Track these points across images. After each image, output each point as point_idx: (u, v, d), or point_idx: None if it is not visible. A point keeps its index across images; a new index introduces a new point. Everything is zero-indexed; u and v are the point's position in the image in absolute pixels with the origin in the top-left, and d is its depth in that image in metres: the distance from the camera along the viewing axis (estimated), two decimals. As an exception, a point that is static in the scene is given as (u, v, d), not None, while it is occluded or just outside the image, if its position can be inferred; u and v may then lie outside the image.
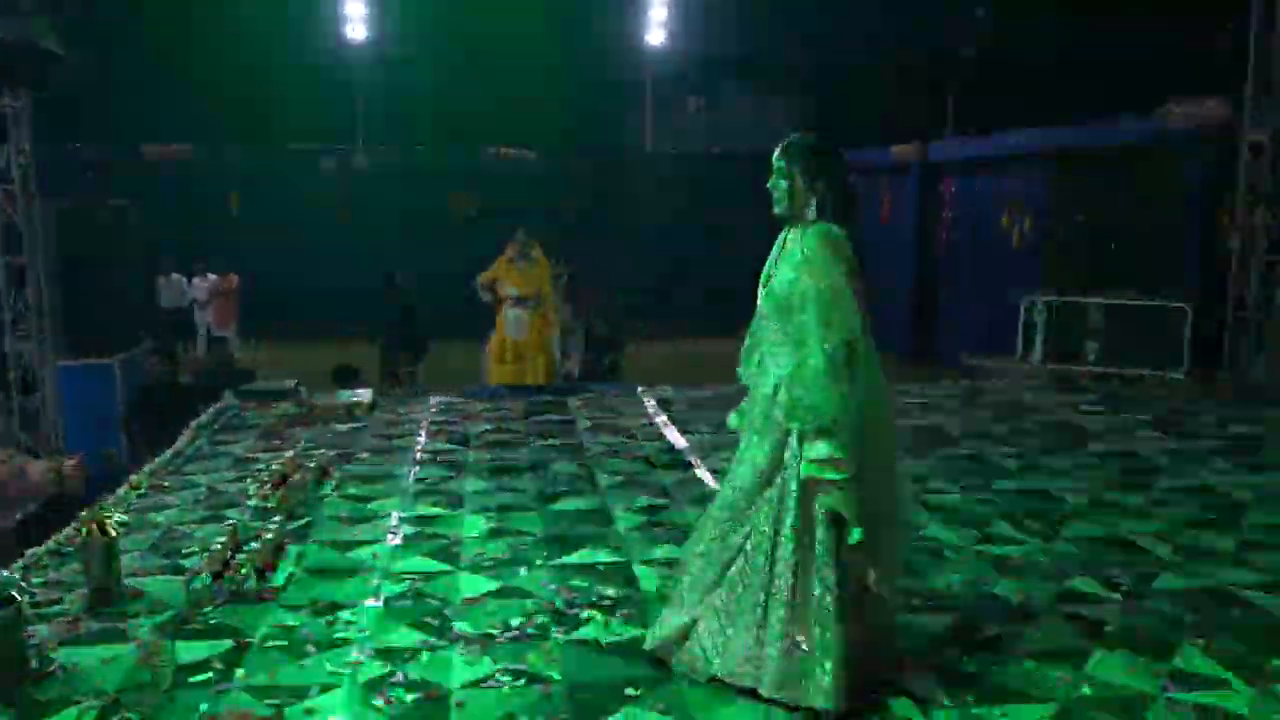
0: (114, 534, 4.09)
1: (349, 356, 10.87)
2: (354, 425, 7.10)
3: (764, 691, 3.12)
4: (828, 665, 3.02)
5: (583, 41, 18.17)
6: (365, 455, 6.24)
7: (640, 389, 8.29)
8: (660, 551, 4.52)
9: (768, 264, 3.38)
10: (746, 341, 3.49)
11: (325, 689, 3.27)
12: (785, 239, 3.36)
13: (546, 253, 8.97)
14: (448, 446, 6.48)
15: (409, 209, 17.55)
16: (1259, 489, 5.61)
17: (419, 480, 5.68)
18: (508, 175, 17.86)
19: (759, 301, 3.37)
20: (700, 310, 18.31)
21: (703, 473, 5.81)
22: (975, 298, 14.02)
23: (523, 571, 4.30)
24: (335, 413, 7.29)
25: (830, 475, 3.04)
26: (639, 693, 3.24)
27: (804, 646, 3.07)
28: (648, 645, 3.45)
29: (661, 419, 7.22)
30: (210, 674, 3.37)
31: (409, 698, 3.21)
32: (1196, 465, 6.16)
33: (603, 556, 4.48)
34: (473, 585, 4.14)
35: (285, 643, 3.60)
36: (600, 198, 18.14)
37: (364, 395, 7.73)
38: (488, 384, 8.86)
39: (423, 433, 6.86)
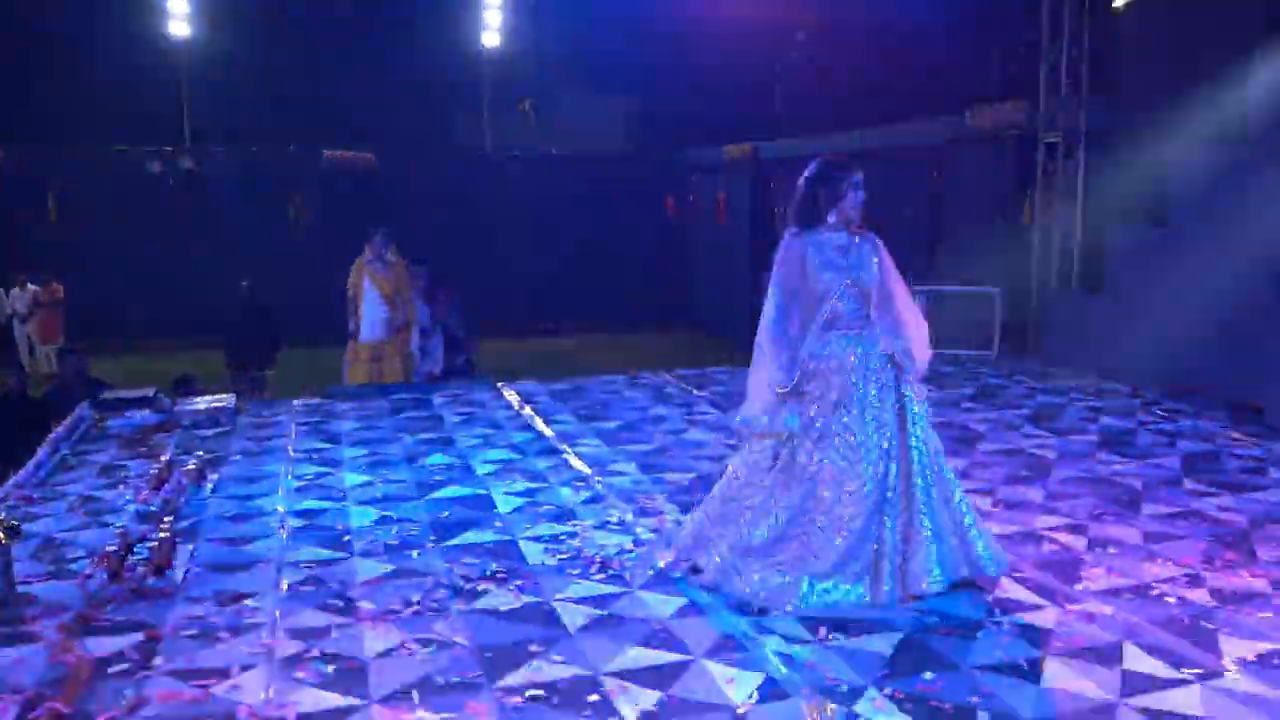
0: (4, 540, 4.14)
1: (189, 364, 10.68)
2: (219, 430, 7.14)
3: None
4: None
5: (419, 43, 18.19)
6: (238, 457, 6.34)
7: (501, 384, 8.59)
8: (543, 529, 4.87)
9: (832, 260, 4.05)
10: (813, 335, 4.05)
11: (246, 668, 3.48)
12: (850, 243, 4.09)
13: (408, 256, 9.13)
14: (321, 445, 6.63)
15: (242, 212, 17.19)
16: (1061, 449, 6.39)
17: (298, 477, 5.83)
18: (345, 178, 17.71)
19: (836, 297, 4.03)
20: (538, 309, 18.73)
21: (571, 457, 6.18)
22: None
23: (415, 554, 4.57)
24: (199, 418, 7.31)
25: None
26: (542, 648, 3.59)
27: None
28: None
29: (526, 411, 7.55)
30: (128, 664, 3.52)
31: (329, 669, 3.46)
32: (1010, 431, 6.92)
33: (489, 536, 4.79)
34: (369, 569, 4.39)
35: (195, 631, 3.77)
36: (438, 200, 18.19)
37: (226, 400, 7.74)
38: (347, 385, 8.96)
39: (293, 433, 6.97)
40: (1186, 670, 3.40)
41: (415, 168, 18.40)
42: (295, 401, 8.09)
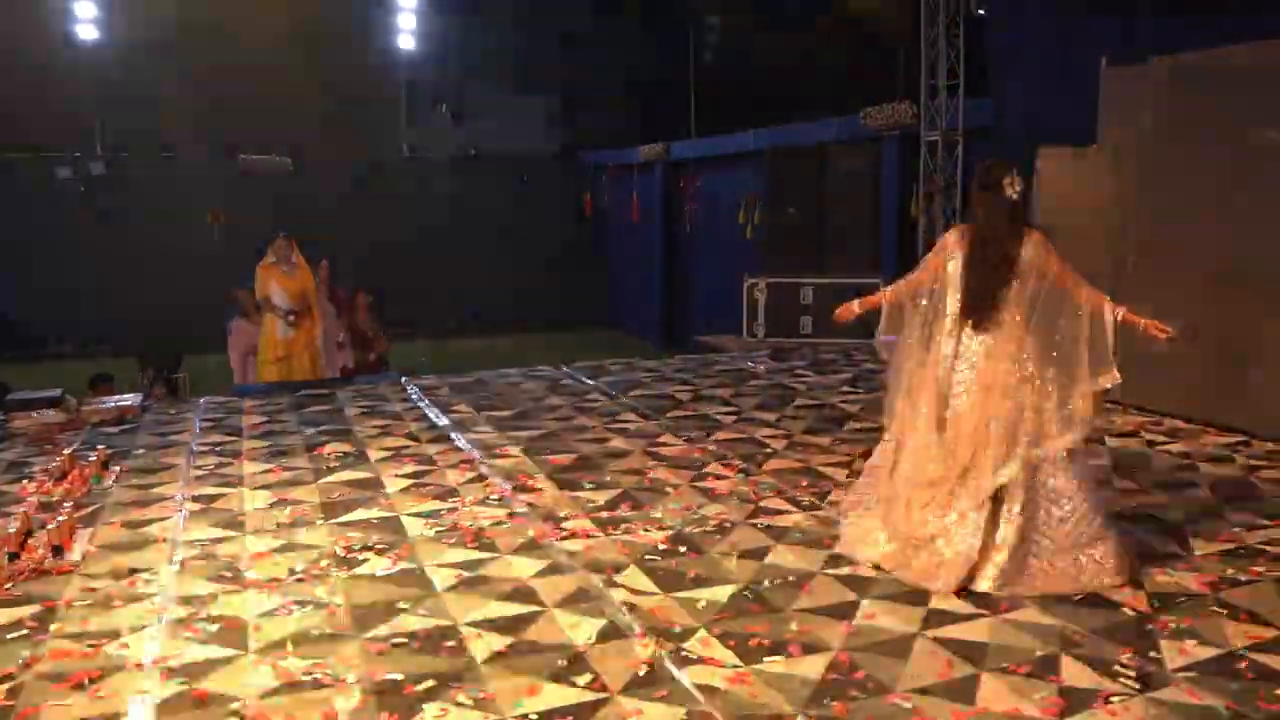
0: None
1: (100, 368, 10.81)
2: (124, 429, 7.37)
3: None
4: None
5: (334, 47, 18.33)
6: (142, 452, 6.60)
7: (404, 378, 8.92)
8: (426, 506, 5.24)
9: (948, 257, 4.32)
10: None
11: (135, 630, 3.80)
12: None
13: (306, 255, 9.38)
14: (224, 438, 6.91)
15: (155, 217, 17.20)
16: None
17: (199, 468, 6.13)
18: (260, 182, 17.77)
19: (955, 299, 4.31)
20: (455, 309, 19.01)
21: (462, 443, 6.55)
22: (712, 282, 15.39)
23: (304, 532, 4.91)
24: (104, 417, 7.52)
25: None
26: (409, 605, 3.97)
27: None
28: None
29: (425, 403, 7.89)
30: (25, 631, 3.83)
31: (213, 628, 3.80)
32: (879, 412, 7.42)
33: (375, 514, 5.15)
34: (259, 544, 4.72)
35: (91, 602, 4.08)
36: (356, 202, 18.37)
37: (131, 399, 7.96)
38: (256, 383, 9.21)
39: (197, 428, 7.24)
40: (983, 609, 3.92)
41: (332, 171, 18.56)
42: (202, 400, 8.34)
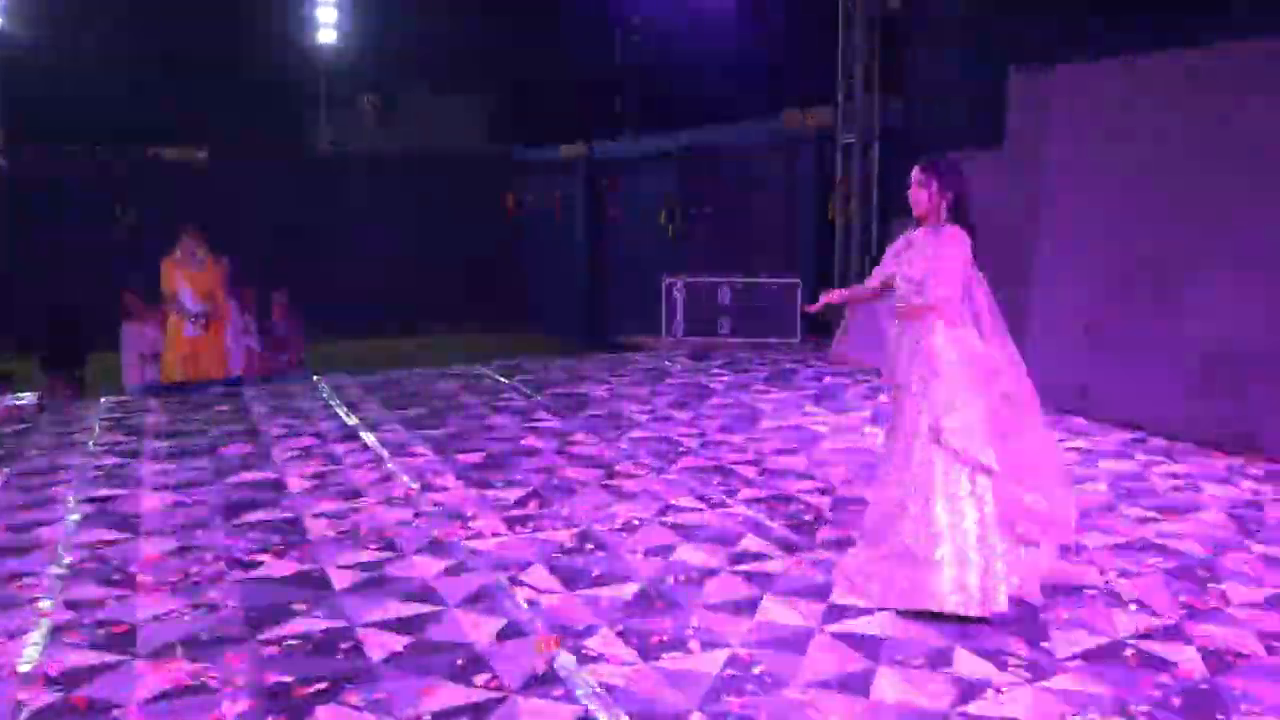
0: None
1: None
2: (19, 428, 7.13)
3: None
4: None
5: (252, 38, 17.93)
6: (35, 452, 6.37)
7: (315, 377, 8.77)
8: (327, 506, 5.14)
9: (892, 255, 4.15)
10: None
11: (14, 636, 3.66)
12: (913, 236, 4.10)
13: (216, 253, 9.15)
14: (124, 439, 6.71)
15: (60, 213, 16.66)
16: (833, 425, 7.00)
17: (96, 469, 5.94)
18: (173, 177, 17.32)
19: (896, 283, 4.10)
20: (375, 309, 18.74)
21: (370, 441, 6.45)
22: (634, 282, 15.39)
23: (200, 533, 4.78)
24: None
25: None
26: (305, 606, 3.89)
27: None
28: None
29: (335, 402, 7.76)
30: (-104, 638, 3.67)
31: (100, 632, 3.68)
32: (792, 409, 7.51)
33: (276, 515, 5.03)
34: (153, 547, 4.59)
35: (-29, 606, 3.93)
36: (274, 199, 18.00)
37: (28, 398, 7.70)
38: (161, 382, 8.96)
39: (96, 428, 7.02)
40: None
41: (250, 166, 18.16)
42: (103, 399, 8.09)
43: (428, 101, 20.52)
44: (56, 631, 3.70)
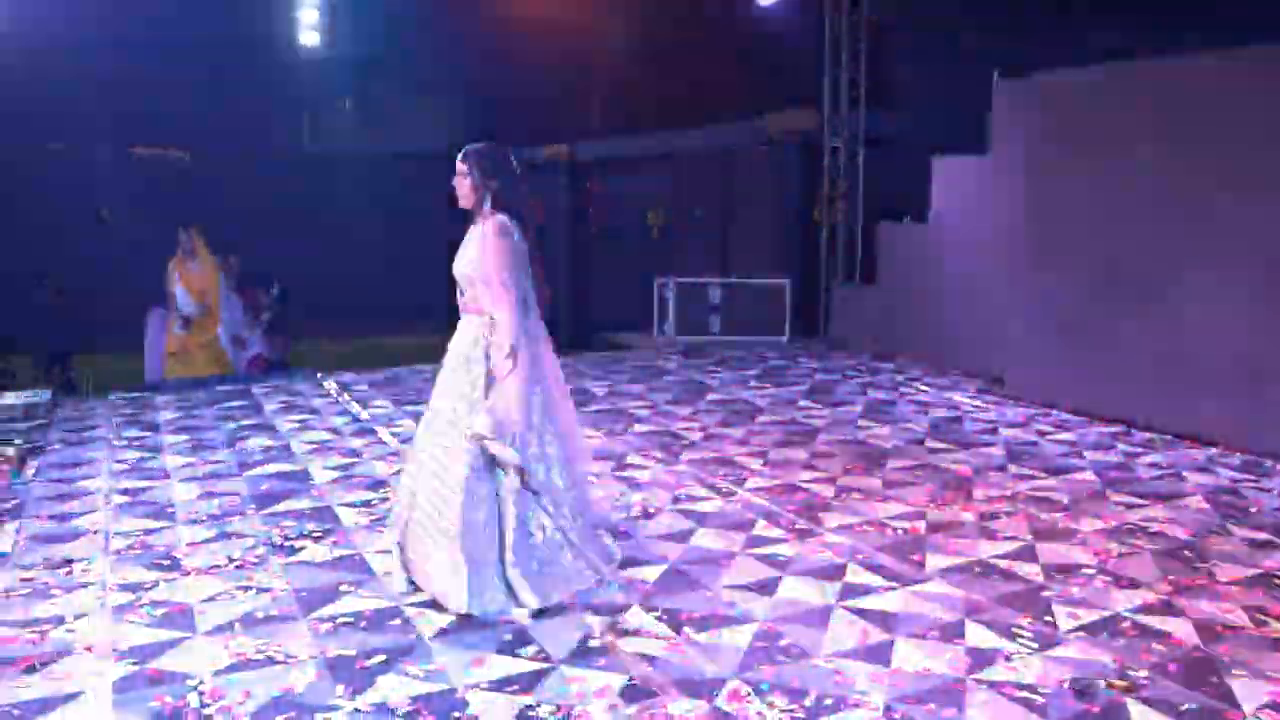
0: None
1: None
2: (35, 423, 7.25)
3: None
4: None
5: (234, 38, 17.97)
6: (58, 446, 6.52)
7: (320, 374, 8.94)
8: (357, 495, 5.34)
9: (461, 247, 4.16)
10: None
11: (79, 616, 3.85)
12: (471, 227, 4.15)
13: (224, 254, 9.30)
14: (142, 433, 6.87)
15: (42, 210, 16.63)
16: (830, 418, 7.27)
17: (120, 461, 6.10)
18: (156, 176, 17.33)
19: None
20: (359, 308, 18.81)
21: (386, 436, 6.65)
22: (619, 283, 15.63)
23: (236, 521, 4.97)
24: (13, 413, 7.38)
25: None
26: (352, 588, 4.10)
27: None
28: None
29: (344, 398, 7.94)
30: (-38, 620, 3.84)
31: (158, 613, 3.87)
32: (787, 405, 7.77)
33: (307, 504, 5.23)
34: (193, 535, 4.77)
35: (29, 591, 4.10)
36: (257, 198, 18.05)
37: (41, 395, 7.82)
38: (163, 379, 9.09)
39: (113, 422, 7.17)
40: (894, 581, 4.23)
41: (232, 165, 18.18)
42: (111, 395, 8.23)
43: (411, 102, 20.62)
44: (118, 611, 3.89)
